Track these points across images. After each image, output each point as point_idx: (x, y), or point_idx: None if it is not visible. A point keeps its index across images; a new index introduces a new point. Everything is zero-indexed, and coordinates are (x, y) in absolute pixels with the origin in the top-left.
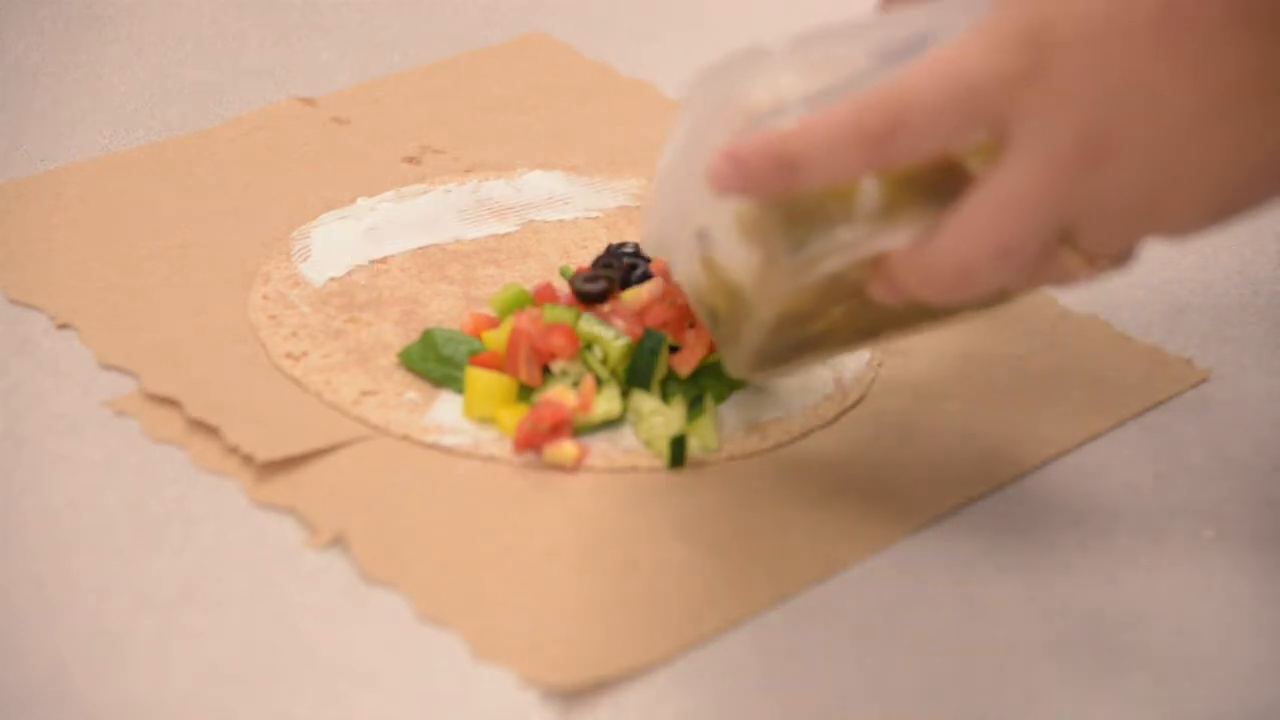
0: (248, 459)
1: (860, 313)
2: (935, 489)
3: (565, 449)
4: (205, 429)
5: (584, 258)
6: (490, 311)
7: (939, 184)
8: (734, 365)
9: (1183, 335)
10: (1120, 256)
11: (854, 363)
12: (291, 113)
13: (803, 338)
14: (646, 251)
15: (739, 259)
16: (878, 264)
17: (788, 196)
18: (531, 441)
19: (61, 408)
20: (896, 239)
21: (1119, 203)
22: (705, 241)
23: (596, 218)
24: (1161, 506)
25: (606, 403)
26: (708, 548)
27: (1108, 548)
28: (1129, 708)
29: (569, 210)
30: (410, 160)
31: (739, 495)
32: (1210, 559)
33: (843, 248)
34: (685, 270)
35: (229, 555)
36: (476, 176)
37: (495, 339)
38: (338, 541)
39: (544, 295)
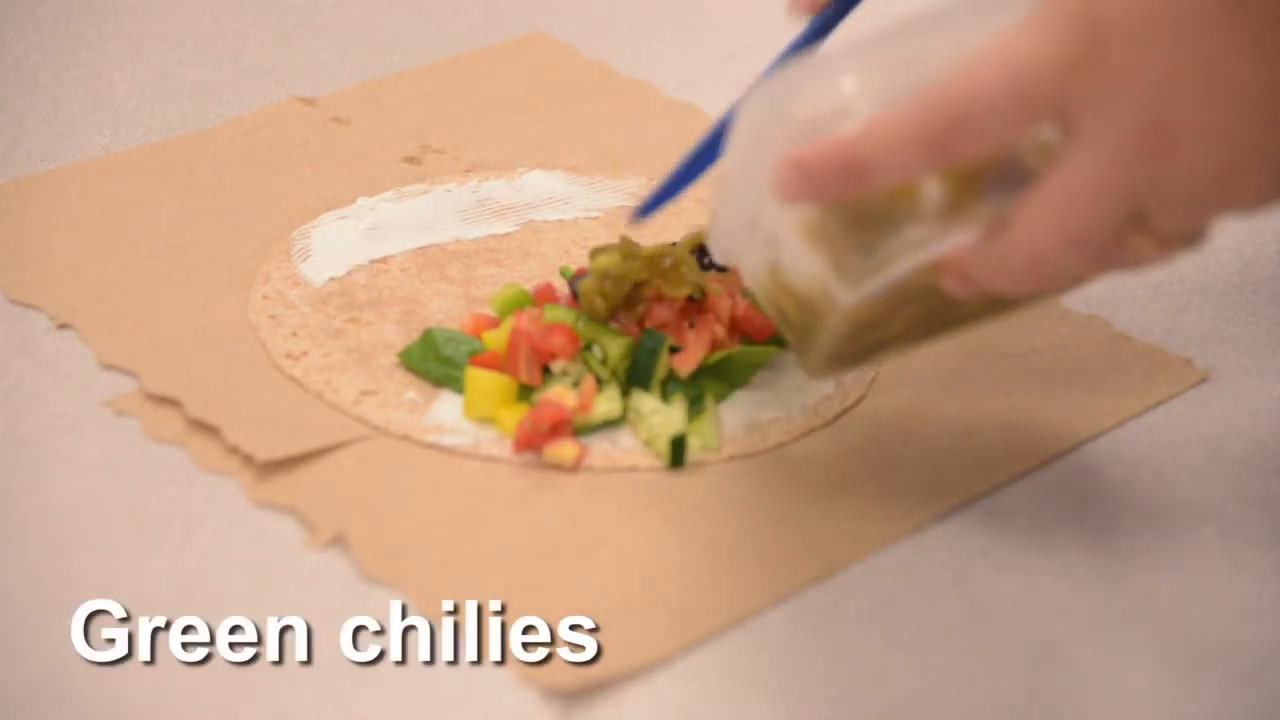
0: (248, 459)
1: (931, 311)
2: (935, 489)
3: (565, 449)
4: (205, 429)
5: (584, 258)
6: (490, 311)
7: (1000, 178)
8: (809, 368)
9: (1183, 335)
10: (1192, 236)
11: None
12: (291, 113)
13: (876, 340)
14: (718, 260)
15: (807, 268)
16: (948, 261)
17: (853, 201)
18: (531, 441)
19: (61, 408)
20: (962, 235)
21: (1189, 186)
22: (772, 250)
23: (596, 218)
24: (1161, 506)
25: (606, 403)
26: (708, 548)
27: (1108, 547)
28: (1129, 708)
29: (569, 210)
30: (410, 160)
31: (739, 495)
32: (1210, 558)
33: (911, 247)
34: (754, 276)
35: (229, 555)
36: (476, 176)
37: (495, 339)
38: (338, 541)
39: (544, 295)
